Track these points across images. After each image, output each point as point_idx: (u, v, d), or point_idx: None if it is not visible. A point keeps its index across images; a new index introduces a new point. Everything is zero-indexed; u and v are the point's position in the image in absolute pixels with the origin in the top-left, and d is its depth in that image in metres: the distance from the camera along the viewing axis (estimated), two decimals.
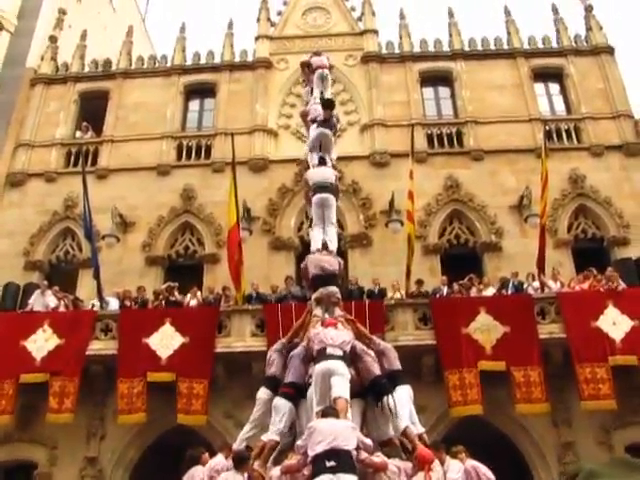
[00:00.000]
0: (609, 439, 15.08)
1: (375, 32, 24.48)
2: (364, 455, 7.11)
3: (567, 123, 21.93)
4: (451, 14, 25.00)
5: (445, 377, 14.90)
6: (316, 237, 10.60)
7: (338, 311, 9.52)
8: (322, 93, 12.59)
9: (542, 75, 23.34)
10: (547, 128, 20.65)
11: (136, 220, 20.43)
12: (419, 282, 16.95)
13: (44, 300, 17.03)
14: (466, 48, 23.84)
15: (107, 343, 15.98)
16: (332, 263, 9.98)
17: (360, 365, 8.58)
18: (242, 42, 25.13)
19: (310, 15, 25.10)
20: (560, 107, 22.87)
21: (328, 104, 11.76)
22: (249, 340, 15.85)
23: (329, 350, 8.22)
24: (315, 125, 11.73)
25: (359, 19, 24.95)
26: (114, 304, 17.08)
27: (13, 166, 22.04)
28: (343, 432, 7.08)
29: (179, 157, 22.12)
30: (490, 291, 16.73)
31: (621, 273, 16.43)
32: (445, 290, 16.97)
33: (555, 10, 24.86)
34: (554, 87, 23.35)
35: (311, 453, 6.95)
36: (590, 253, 19.14)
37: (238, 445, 9.03)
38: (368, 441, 7.36)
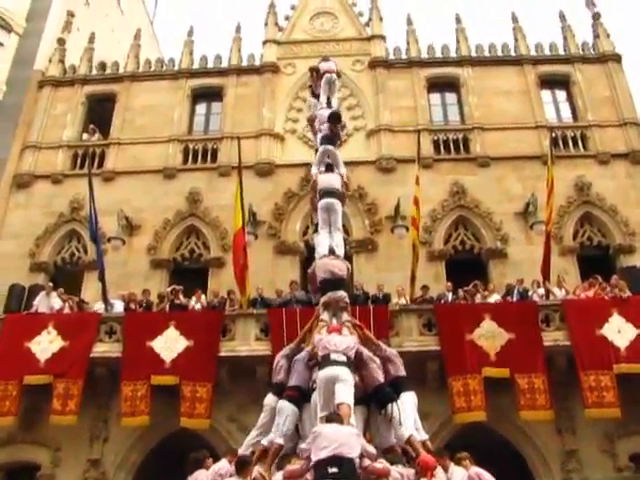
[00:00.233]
0: (613, 448, 15.02)
1: (383, 37, 24.50)
2: (367, 462, 7.10)
3: (573, 130, 21.90)
4: (458, 20, 25.02)
5: (449, 383, 14.88)
6: (321, 241, 10.58)
7: (346, 316, 9.51)
8: (329, 98, 12.59)
9: (549, 82, 23.32)
10: (553, 135, 20.61)
11: (142, 223, 20.46)
12: (424, 288, 16.95)
13: (49, 302, 17.09)
14: (473, 54, 23.83)
15: (111, 346, 16.01)
16: (341, 268, 9.98)
17: (365, 372, 8.56)
18: (250, 46, 25.27)
19: (318, 20, 25.14)
20: (567, 114, 22.84)
21: (334, 118, 11.76)
22: (253, 344, 15.88)
23: (333, 356, 8.22)
24: (320, 140, 11.73)
25: (367, 24, 24.98)
26: (119, 307, 17.10)
27: (20, 167, 22.11)
28: (348, 439, 7.07)
29: (185, 160, 22.16)
30: (495, 298, 16.70)
31: (626, 281, 16.38)
32: (450, 296, 16.95)
33: (562, 17, 24.85)
34: (561, 94, 23.32)
35: (314, 458, 6.95)
36: (595, 261, 19.10)
37: (244, 451, 9.02)
38: (371, 448, 7.36)
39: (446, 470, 8.98)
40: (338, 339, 8.53)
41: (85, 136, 23.39)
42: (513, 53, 23.85)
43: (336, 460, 6.82)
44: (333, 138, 11.75)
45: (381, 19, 25.01)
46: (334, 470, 6.76)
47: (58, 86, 24.26)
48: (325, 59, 13.59)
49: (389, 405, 8.13)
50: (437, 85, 23.57)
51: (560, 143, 21.34)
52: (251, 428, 9.36)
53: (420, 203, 17.50)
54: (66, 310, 17.03)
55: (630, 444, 15.06)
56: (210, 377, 15.30)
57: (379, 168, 21.12)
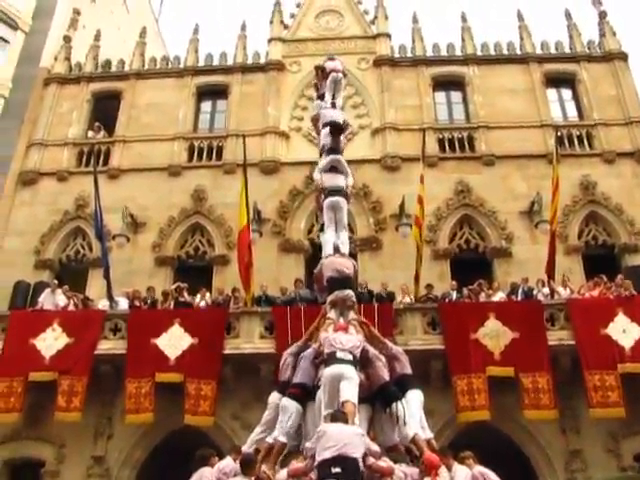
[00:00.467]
0: (617, 447, 14.99)
1: (388, 36, 24.46)
2: (371, 460, 7.11)
3: (579, 129, 21.86)
4: (464, 19, 24.99)
5: (453, 382, 14.88)
6: (328, 240, 10.61)
7: (352, 314, 9.54)
8: (334, 97, 12.59)
9: (554, 80, 23.28)
10: (559, 134, 20.59)
11: (147, 220, 20.49)
12: (429, 286, 16.94)
13: (54, 299, 17.13)
14: (479, 53, 23.82)
15: (116, 343, 16.03)
16: (348, 266, 10.02)
17: (370, 370, 8.58)
18: (255, 44, 25.21)
19: (323, 18, 25.13)
20: (572, 113, 22.79)
21: (334, 129, 11.73)
22: (258, 342, 15.89)
23: (339, 354, 8.25)
24: (325, 152, 11.69)
25: (372, 22, 24.95)
26: (123, 304, 17.13)
27: (25, 165, 22.16)
28: (352, 439, 7.09)
29: (190, 158, 22.18)
30: (499, 297, 16.69)
31: (632, 280, 16.34)
32: (454, 295, 16.95)
33: (568, 15, 24.81)
34: (566, 93, 23.28)
35: (319, 458, 6.96)
36: (600, 260, 19.04)
37: (248, 448, 9.03)
38: (375, 447, 7.38)
39: (450, 469, 8.98)
40: (344, 337, 8.56)
41: (90, 134, 23.39)
42: (519, 51, 23.79)
43: (340, 460, 6.84)
44: (337, 148, 11.73)
45: (386, 17, 24.98)
46: (337, 470, 6.77)
47: (64, 84, 24.29)
48: (331, 58, 13.56)
49: (394, 404, 8.14)
50: (442, 83, 23.54)
51: (566, 142, 21.31)
52: (255, 426, 9.39)
53: (425, 202, 17.43)
54: (71, 307, 17.09)
55: (635, 444, 15.03)
56: (214, 375, 15.30)
57: (384, 166, 21.10)
